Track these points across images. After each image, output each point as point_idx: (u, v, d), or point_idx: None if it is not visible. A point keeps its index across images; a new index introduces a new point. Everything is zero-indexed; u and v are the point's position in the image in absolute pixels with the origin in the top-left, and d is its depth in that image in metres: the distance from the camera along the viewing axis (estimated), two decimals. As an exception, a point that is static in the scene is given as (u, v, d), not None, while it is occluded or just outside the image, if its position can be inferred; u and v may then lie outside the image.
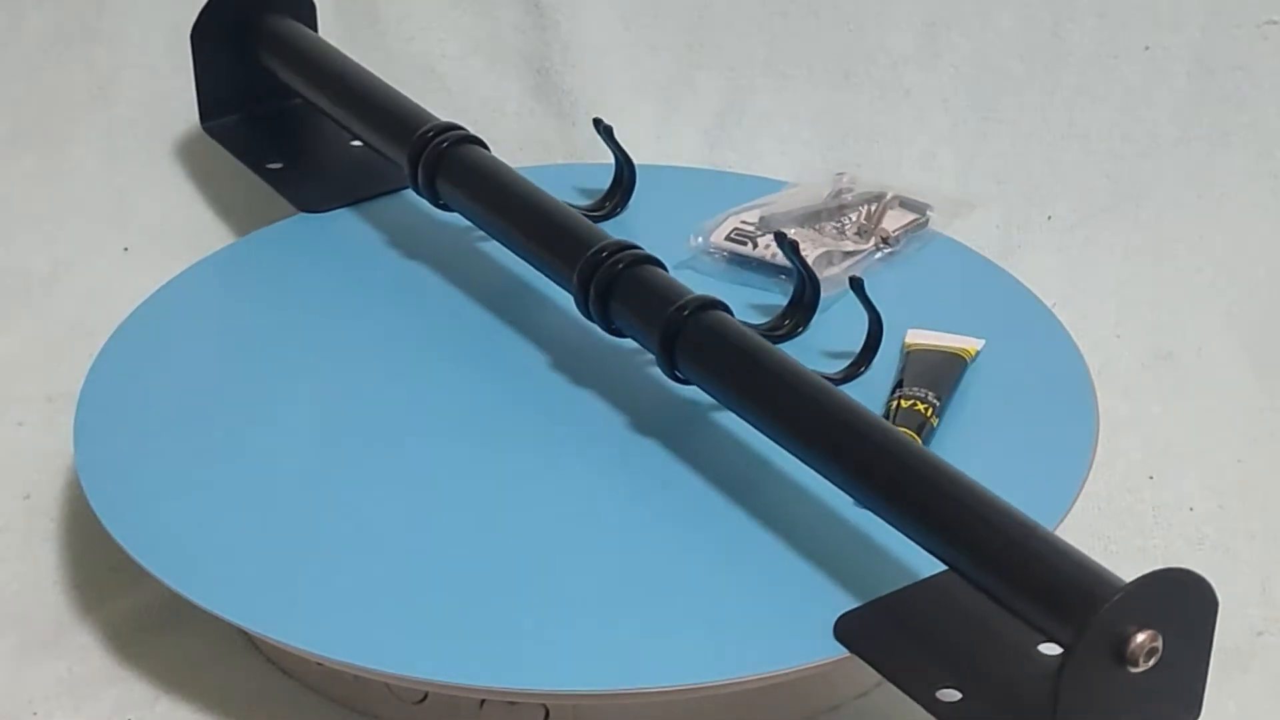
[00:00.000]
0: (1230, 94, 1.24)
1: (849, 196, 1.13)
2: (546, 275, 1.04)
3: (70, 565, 1.00)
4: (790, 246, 1.01)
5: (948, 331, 1.03)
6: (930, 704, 0.81)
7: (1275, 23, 1.25)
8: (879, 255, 1.11)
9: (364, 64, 1.33)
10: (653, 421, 0.98)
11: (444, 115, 1.31)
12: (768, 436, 0.93)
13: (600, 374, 1.01)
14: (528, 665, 0.84)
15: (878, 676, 0.92)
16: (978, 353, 1.02)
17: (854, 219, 1.12)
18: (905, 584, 0.87)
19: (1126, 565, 0.98)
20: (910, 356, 1.01)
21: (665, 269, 1.00)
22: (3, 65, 1.29)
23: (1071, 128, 1.26)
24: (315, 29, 1.26)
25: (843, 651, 0.84)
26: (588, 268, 0.99)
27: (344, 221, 1.15)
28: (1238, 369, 1.14)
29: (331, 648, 0.85)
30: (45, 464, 1.07)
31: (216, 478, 0.95)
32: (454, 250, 1.11)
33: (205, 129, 1.23)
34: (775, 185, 1.17)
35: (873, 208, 1.13)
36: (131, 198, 1.27)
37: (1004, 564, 0.82)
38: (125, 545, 0.90)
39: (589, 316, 1.00)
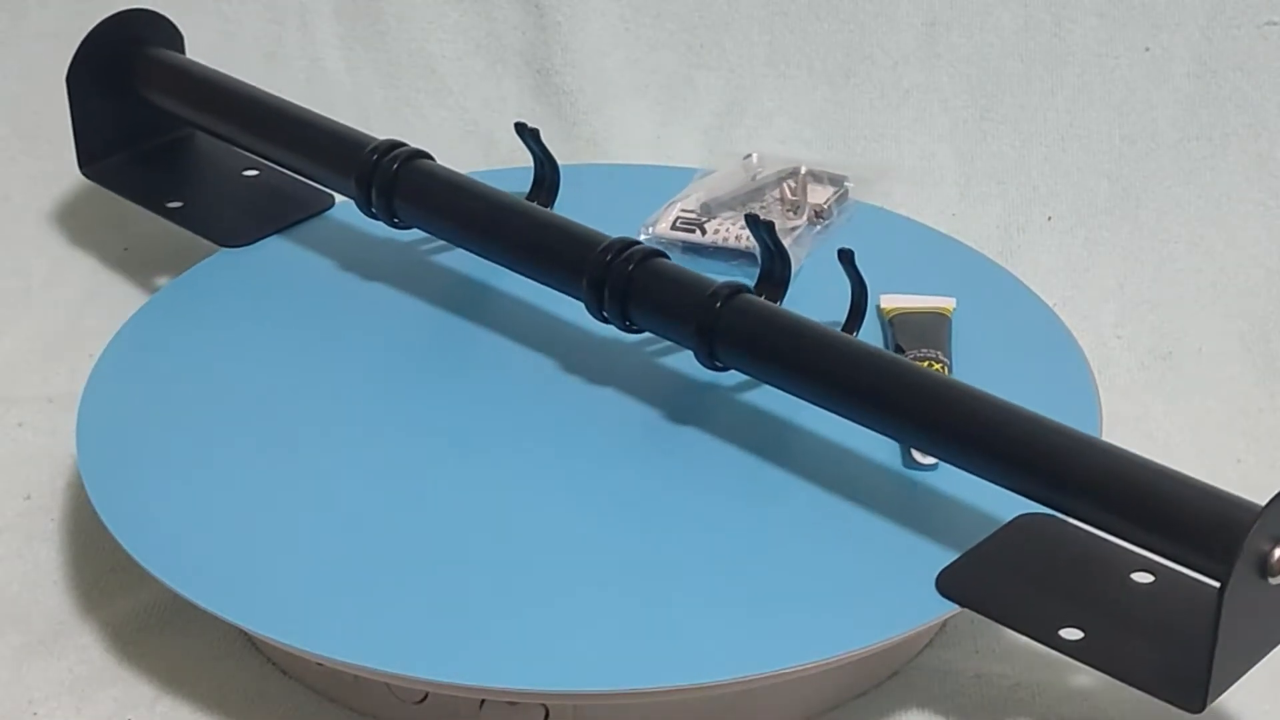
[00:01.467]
0: (1230, 94, 1.24)
1: (763, 175, 1.14)
2: (544, 282, 1.03)
3: (70, 565, 1.00)
4: (766, 228, 1.01)
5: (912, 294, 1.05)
6: (1058, 644, 0.85)
7: (1275, 23, 1.25)
8: (816, 229, 1.11)
9: (364, 64, 1.33)
10: (654, 419, 0.98)
11: (444, 115, 1.31)
12: (835, 412, 0.94)
13: (596, 369, 1.01)
14: (528, 665, 0.84)
15: (877, 678, 0.92)
16: (953, 310, 1.04)
17: (778, 196, 1.13)
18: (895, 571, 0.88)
19: (1126, 565, 0.98)
20: (895, 321, 1.01)
21: (669, 259, 1.00)
22: (3, 65, 1.29)
23: (1071, 128, 1.26)
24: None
25: (840, 652, 0.84)
26: (597, 269, 0.99)
27: (287, 245, 1.13)
28: (1238, 369, 1.14)
29: (331, 648, 0.85)
30: (45, 464, 1.07)
31: (217, 478, 0.95)
32: (415, 266, 1.10)
33: (85, 175, 1.19)
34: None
35: (793, 184, 1.13)
36: (131, 198, 1.27)
37: (1130, 503, 0.85)
38: (126, 546, 0.90)
39: (601, 317, 1.00)
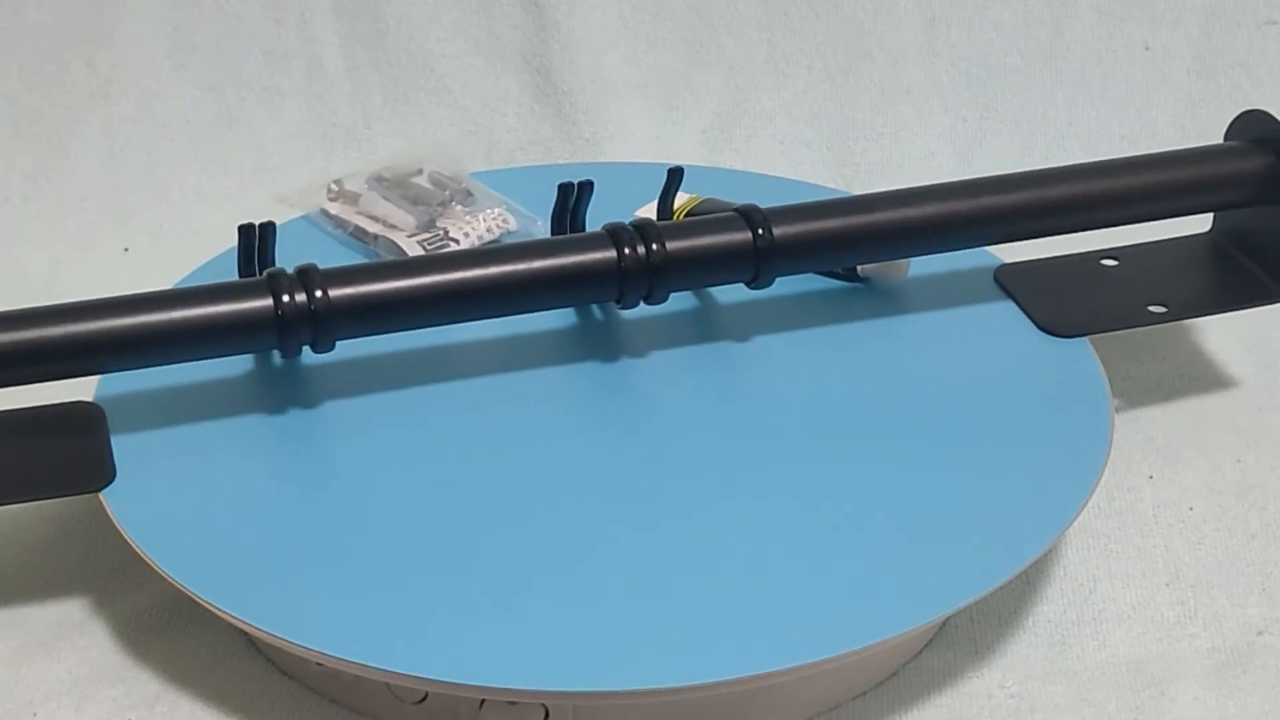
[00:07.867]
0: (1230, 93, 1.24)
1: (387, 186, 1.15)
2: (561, 305, 1.02)
3: (71, 565, 1.00)
4: (582, 188, 1.06)
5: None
6: (1156, 320, 1.04)
7: (1275, 23, 1.25)
8: (471, 197, 1.14)
9: (364, 64, 1.33)
10: (649, 413, 0.99)
11: (444, 115, 1.32)
12: (888, 256, 1.03)
13: (581, 362, 1.02)
14: (528, 665, 0.84)
15: (877, 678, 0.92)
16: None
17: (417, 196, 1.14)
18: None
19: (1127, 565, 0.98)
20: (689, 215, 1.07)
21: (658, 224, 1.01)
22: (3, 65, 1.29)
23: (1071, 126, 1.26)
24: None
25: (843, 649, 0.84)
26: (625, 260, 0.98)
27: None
28: (1238, 369, 1.14)
29: (331, 647, 0.85)
30: (45, 464, 1.07)
31: (222, 478, 0.95)
32: (365, 367, 1.04)
33: None
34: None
35: (427, 177, 1.15)
36: (131, 198, 1.27)
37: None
38: (136, 542, 0.90)
39: (633, 302, 1.00)
